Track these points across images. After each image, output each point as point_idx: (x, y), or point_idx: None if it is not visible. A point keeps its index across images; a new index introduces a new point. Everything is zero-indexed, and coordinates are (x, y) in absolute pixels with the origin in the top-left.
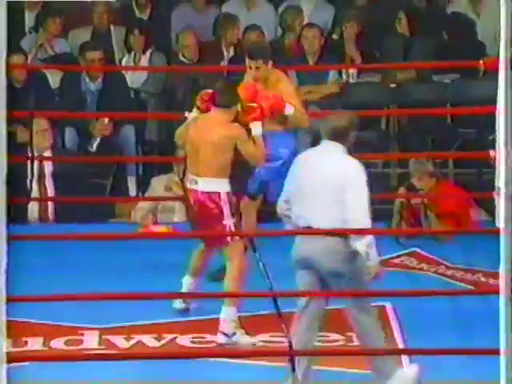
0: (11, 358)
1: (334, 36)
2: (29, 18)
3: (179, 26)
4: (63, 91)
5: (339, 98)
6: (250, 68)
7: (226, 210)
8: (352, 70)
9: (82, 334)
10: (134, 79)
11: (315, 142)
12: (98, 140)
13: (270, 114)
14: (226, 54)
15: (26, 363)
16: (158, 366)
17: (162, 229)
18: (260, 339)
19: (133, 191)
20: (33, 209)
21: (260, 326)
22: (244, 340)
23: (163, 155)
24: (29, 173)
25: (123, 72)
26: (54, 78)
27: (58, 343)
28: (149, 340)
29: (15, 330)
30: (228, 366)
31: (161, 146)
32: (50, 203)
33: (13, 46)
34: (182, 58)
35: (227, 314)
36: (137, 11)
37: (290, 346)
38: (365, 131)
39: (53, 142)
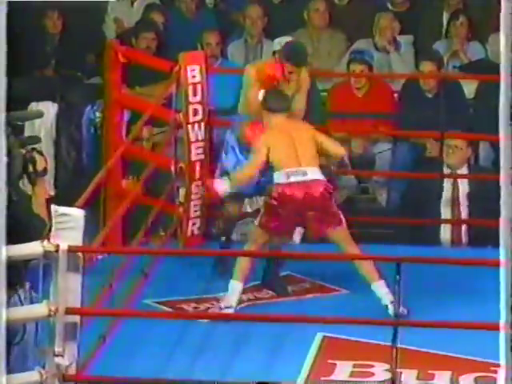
0: None
1: None
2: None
3: None
4: (478, 102)
5: None
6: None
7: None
8: None
9: (495, 372)
10: None
11: None
12: None
13: None
14: None
15: None
16: None
17: None
18: None
19: None
20: (445, 230)
21: None
22: None
23: None
24: (444, 191)
25: None
26: (469, 88)
27: (468, 379)
28: None
29: (422, 361)
30: None
31: None
32: (463, 225)
33: (424, 52)
34: None
35: None
36: None
37: None
38: None
39: (468, 159)
